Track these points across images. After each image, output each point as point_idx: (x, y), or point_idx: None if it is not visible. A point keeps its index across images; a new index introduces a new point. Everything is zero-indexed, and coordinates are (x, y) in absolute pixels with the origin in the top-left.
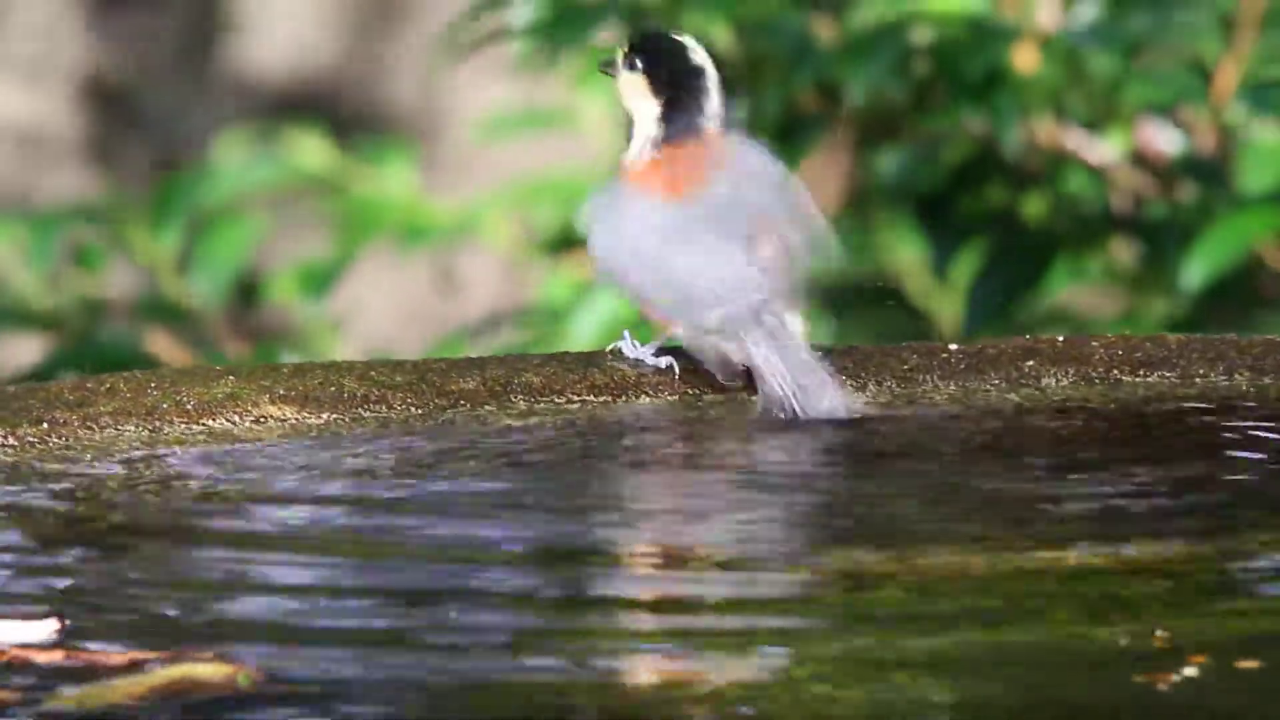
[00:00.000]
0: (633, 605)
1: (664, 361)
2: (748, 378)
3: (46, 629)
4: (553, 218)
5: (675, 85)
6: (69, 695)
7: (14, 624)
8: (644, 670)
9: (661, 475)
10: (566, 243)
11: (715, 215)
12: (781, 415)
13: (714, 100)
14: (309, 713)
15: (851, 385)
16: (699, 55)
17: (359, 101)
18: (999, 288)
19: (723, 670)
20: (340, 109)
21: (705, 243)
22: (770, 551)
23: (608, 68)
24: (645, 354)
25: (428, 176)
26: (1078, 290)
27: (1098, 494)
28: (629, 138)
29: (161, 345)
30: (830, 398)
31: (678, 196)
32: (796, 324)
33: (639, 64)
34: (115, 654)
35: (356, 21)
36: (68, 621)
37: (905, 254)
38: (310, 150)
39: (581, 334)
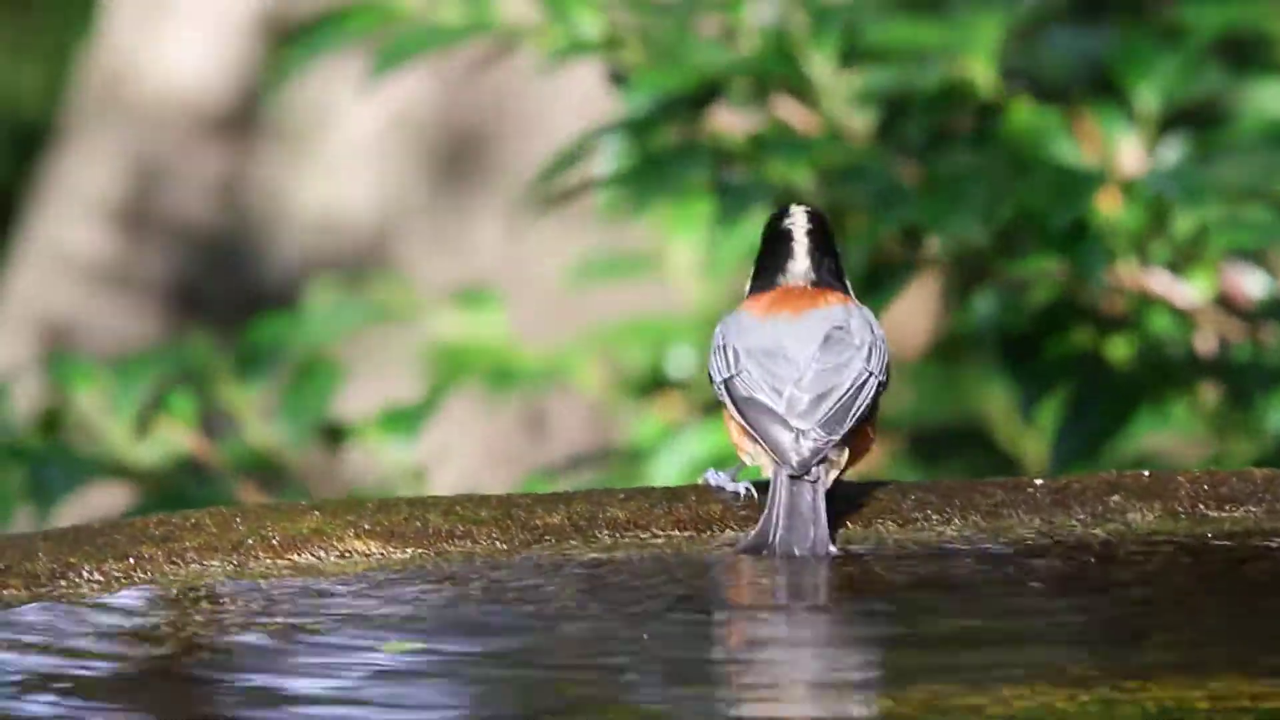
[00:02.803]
0: None
1: (741, 488)
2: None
3: None
4: (641, 361)
5: (820, 249)
6: None
7: None
8: None
9: (737, 609)
10: (655, 386)
11: (793, 335)
12: (762, 553)
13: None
14: None
15: (936, 519)
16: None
17: (447, 246)
18: (1085, 432)
19: None
20: (429, 254)
21: (774, 359)
22: (851, 686)
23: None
24: (725, 480)
25: (515, 319)
26: (1164, 433)
27: (1184, 628)
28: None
29: (249, 493)
30: (811, 541)
31: (771, 315)
32: (838, 456)
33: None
34: None
35: (445, 168)
36: None
37: (992, 398)
38: (399, 294)
39: (666, 474)
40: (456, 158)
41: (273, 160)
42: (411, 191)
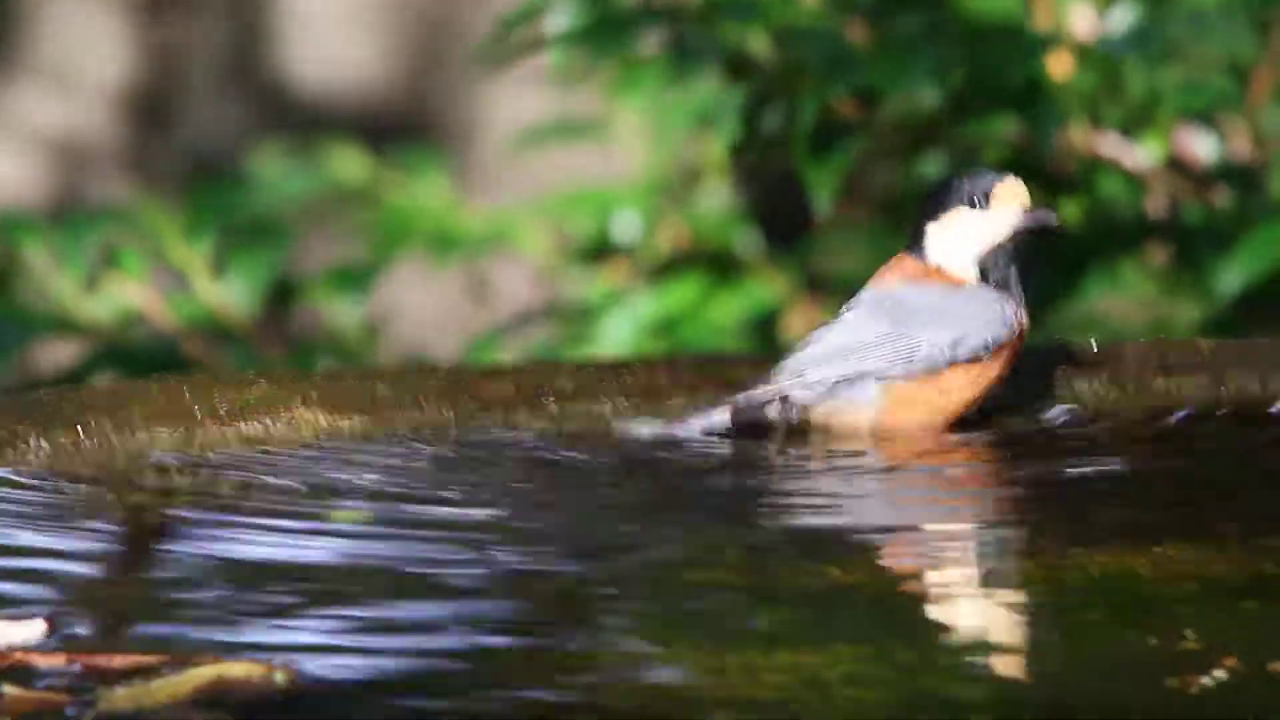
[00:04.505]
0: (658, 601)
1: None
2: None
3: (35, 629)
4: (587, 227)
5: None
6: (121, 697)
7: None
8: (671, 669)
9: (691, 472)
10: (600, 252)
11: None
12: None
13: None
14: (352, 710)
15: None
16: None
17: (395, 111)
18: (1034, 294)
19: (751, 673)
20: (376, 119)
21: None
22: (797, 553)
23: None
24: None
25: (463, 185)
26: (1112, 296)
27: (1128, 498)
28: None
29: (197, 350)
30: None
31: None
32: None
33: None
34: (117, 657)
35: (393, 32)
36: (58, 623)
37: None
38: (345, 161)
39: (614, 336)
40: (411, 21)
41: (223, 24)
42: (364, 57)
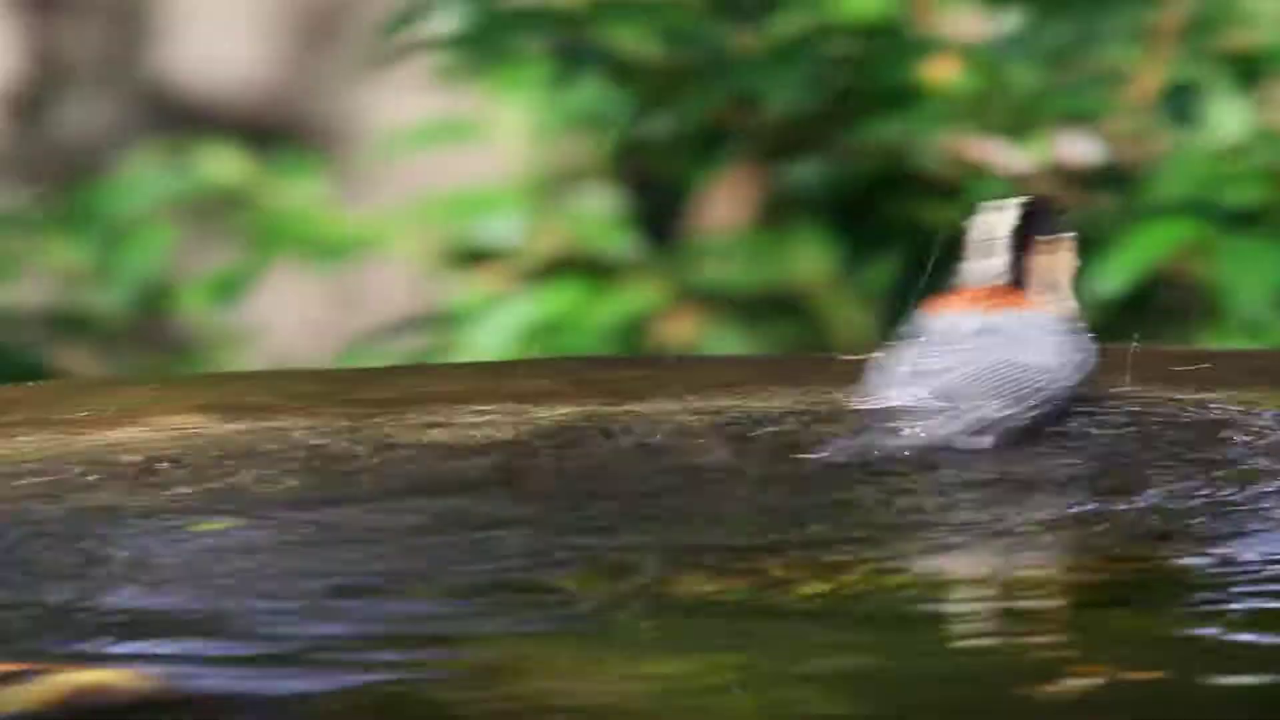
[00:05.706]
0: (527, 607)
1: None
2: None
3: None
4: (463, 231)
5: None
6: None
7: None
8: (537, 678)
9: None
10: (476, 256)
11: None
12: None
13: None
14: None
15: (736, 394)
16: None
17: (277, 113)
18: (913, 300)
19: (622, 681)
20: (258, 120)
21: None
22: (669, 554)
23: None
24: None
25: (344, 189)
26: None
27: (991, 503)
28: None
29: (70, 357)
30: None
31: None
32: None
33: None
34: None
35: (276, 33)
36: None
37: (816, 266)
38: (222, 163)
39: (487, 343)
40: (294, 22)
41: (104, 22)
42: (246, 59)
